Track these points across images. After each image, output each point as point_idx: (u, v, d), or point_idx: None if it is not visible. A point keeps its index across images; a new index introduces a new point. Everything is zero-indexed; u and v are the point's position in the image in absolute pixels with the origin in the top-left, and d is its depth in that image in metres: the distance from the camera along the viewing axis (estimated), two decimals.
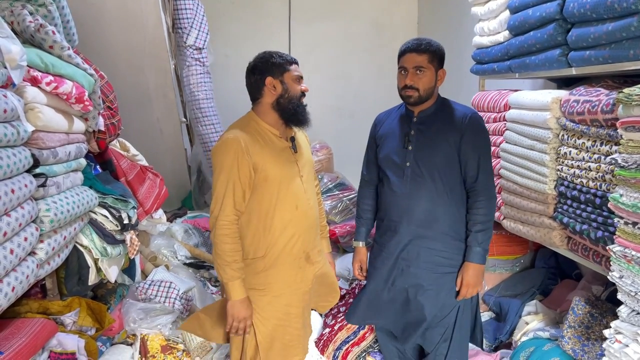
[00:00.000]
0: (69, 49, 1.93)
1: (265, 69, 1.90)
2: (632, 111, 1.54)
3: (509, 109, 2.56)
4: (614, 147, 1.77)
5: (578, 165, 2.00)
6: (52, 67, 1.79)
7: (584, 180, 1.97)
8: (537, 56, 2.34)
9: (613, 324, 1.65)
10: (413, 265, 2.13)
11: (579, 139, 2.00)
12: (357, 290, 3.03)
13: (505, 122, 2.60)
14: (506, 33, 2.62)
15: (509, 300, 2.78)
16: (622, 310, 1.62)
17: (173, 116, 4.22)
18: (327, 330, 2.79)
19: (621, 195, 1.59)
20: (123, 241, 2.25)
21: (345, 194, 3.95)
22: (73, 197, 1.89)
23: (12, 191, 1.45)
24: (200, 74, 4.41)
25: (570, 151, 2.06)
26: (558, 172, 2.16)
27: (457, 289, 2.13)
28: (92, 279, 2.08)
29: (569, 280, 2.78)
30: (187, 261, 3.45)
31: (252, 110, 2.00)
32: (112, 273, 2.18)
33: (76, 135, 2.06)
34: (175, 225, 3.90)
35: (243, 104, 2.09)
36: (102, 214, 2.14)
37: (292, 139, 2.02)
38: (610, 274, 1.66)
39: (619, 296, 1.64)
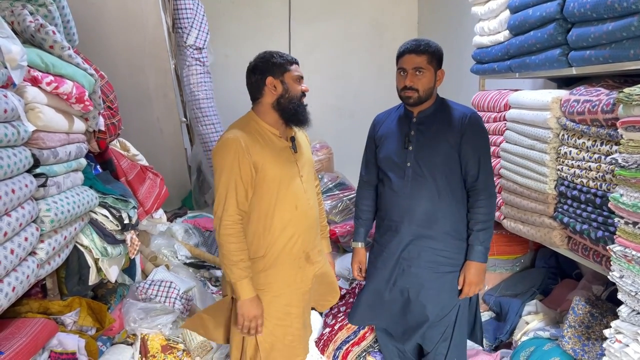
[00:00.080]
0: (69, 49, 1.93)
1: (266, 68, 1.90)
2: (633, 111, 1.54)
3: (509, 109, 2.56)
4: (614, 147, 1.77)
5: (578, 165, 2.00)
6: (53, 67, 1.80)
7: (584, 180, 1.97)
8: (537, 56, 2.34)
9: (613, 323, 1.65)
10: (414, 265, 2.13)
11: (579, 138, 2.00)
12: (357, 290, 3.03)
13: (505, 121, 2.60)
14: (506, 33, 2.62)
15: (509, 300, 2.78)
16: (623, 310, 1.62)
17: (173, 116, 4.23)
18: (328, 330, 2.79)
19: (621, 195, 1.59)
20: (123, 241, 2.25)
21: (345, 194, 3.95)
22: (73, 197, 1.89)
23: (13, 191, 1.45)
24: (201, 73, 4.41)
25: (570, 151, 2.06)
26: (558, 172, 2.16)
27: (459, 288, 2.13)
28: (93, 278, 2.08)
29: (569, 280, 2.79)
30: (188, 261, 3.45)
31: (252, 110, 2.00)
32: (113, 273, 2.19)
33: (76, 135, 2.06)
34: (175, 225, 3.90)
35: (243, 104, 2.09)
36: (102, 214, 2.14)
37: (292, 139, 2.02)
38: (610, 273, 1.66)
39: (619, 296, 1.64)
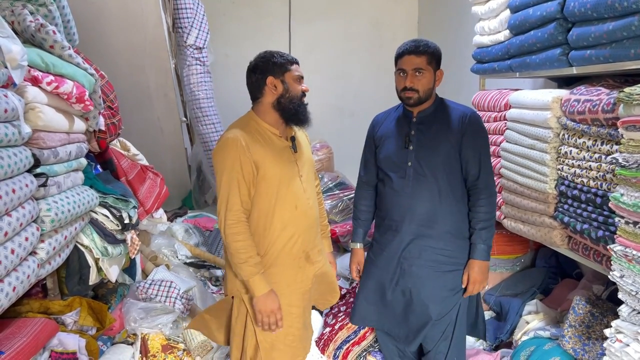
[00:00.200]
0: (69, 48, 1.93)
1: (267, 68, 1.90)
2: (633, 110, 1.54)
3: (510, 108, 2.56)
4: (615, 147, 1.77)
5: (579, 165, 2.00)
6: (53, 66, 1.79)
7: (585, 180, 1.97)
8: (537, 55, 2.34)
9: (614, 323, 1.65)
10: (415, 265, 2.13)
11: (579, 138, 2.00)
12: (357, 289, 3.03)
13: (505, 121, 2.60)
14: (507, 32, 2.62)
15: (510, 300, 2.78)
16: (623, 310, 1.62)
17: (173, 115, 4.23)
18: (328, 329, 2.79)
19: (622, 195, 1.59)
20: (124, 241, 2.25)
21: (345, 193, 3.95)
22: (74, 196, 1.89)
23: (13, 191, 1.45)
24: (201, 73, 4.41)
25: (570, 150, 2.06)
26: (559, 172, 2.16)
27: (463, 286, 2.14)
28: (93, 278, 2.08)
29: (569, 280, 2.79)
30: (188, 260, 3.45)
31: (252, 109, 2.00)
32: (113, 272, 2.18)
33: (77, 134, 2.06)
34: (175, 224, 3.90)
35: (243, 104, 2.09)
36: (102, 214, 2.14)
37: (292, 139, 2.02)
38: (611, 273, 1.66)
39: (620, 295, 1.64)
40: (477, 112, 2.27)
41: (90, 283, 2.09)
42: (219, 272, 3.49)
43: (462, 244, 2.14)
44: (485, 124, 2.51)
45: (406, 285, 2.17)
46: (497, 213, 2.71)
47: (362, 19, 5.36)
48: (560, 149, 2.14)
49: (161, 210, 3.13)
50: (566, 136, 2.09)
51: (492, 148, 2.63)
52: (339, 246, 3.66)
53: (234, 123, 1.97)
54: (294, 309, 2.00)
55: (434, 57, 2.05)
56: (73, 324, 2.03)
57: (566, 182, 2.10)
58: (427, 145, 2.10)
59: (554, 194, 2.20)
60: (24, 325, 1.71)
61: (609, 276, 1.68)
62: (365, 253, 2.36)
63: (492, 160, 2.24)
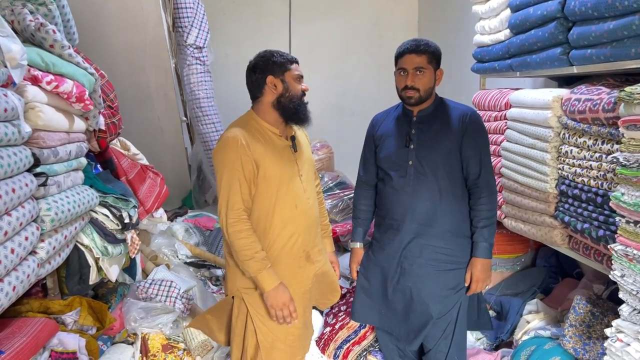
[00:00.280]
0: (69, 48, 1.93)
1: (266, 67, 1.90)
2: (634, 110, 1.54)
3: (510, 108, 2.56)
4: (616, 146, 1.77)
5: (579, 164, 2.00)
6: (53, 66, 1.79)
7: (585, 179, 1.97)
8: (538, 55, 2.34)
9: (614, 322, 1.65)
10: (416, 264, 2.14)
11: (580, 137, 2.00)
12: (356, 288, 3.03)
13: (506, 120, 2.60)
14: (507, 31, 2.62)
15: (510, 299, 2.78)
16: (624, 309, 1.62)
17: (173, 115, 4.22)
18: (328, 329, 2.79)
19: (623, 194, 1.59)
20: (124, 240, 2.25)
21: (345, 193, 3.95)
22: (74, 196, 1.89)
23: (13, 190, 1.45)
24: (201, 72, 4.41)
25: (571, 150, 2.06)
26: (559, 171, 2.16)
27: (466, 285, 2.15)
28: (93, 278, 2.08)
29: (570, 279, 2.78)
30: (188, 260, 3.45)
31: (251, 109, 2.00)
32: (113, 272, 2.18)
33: (77, 134, 2.06)
34: (175, 224, 3.90)
35: (243, 103, 2.09)
36: (102, 213, 2.14)
37: (293, 138, 2.02)
38: (611, 272, 1.66)
39: (621, 295, 1.63)
40: (477, 111, 2.27)
41: (91, 283, 2.08)
42: (219, 272, 3.48)
43: (462, 242, 2.14)
44: (486, 124, 2.51)
45: (407, 284, 2.17)
46: (498, 212, 2.71)
47: (362, 19, 5.36)
48: (561, 148, 2.13)
49: (161, 210, 3.13)
50: (567, 135, 2.09)
51: (492, 147, 2.63)
52: (340, 246, 3.66)
53: (234, 122, 1.97)
54: None
55: (434, 56, 2.06)
56: (73, 324, 2.02)
57: (567, 182, 2.10)
58: (427, 144, 2.10)
59: (554, 194, 2.20)
60: (24, 324, 1.70)
61: (609, 275, 1.68)
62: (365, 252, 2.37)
63: (492, 160, 2.24)
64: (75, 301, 2.08)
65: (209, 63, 4.48)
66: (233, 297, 2.02)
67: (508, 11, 2.60)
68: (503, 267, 2.99)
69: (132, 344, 2.40)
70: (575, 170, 2.03)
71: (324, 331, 2.80)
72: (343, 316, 2.81)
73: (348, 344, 2.65)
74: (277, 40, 5.17)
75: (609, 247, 1.68)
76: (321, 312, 2.97)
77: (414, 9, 5.40)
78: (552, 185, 2.20)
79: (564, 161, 2.12)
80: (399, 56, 2.10)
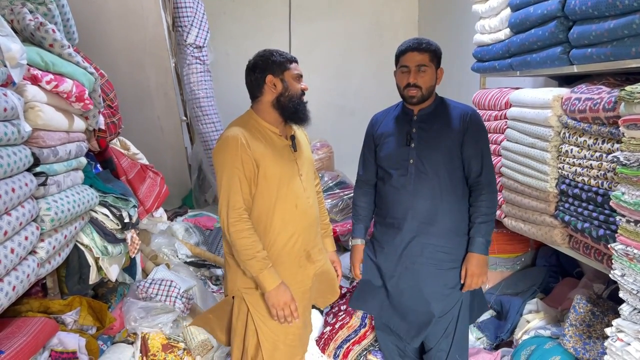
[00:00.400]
0: (69, 47, 1.93)
1: (266, 67, 1.90)
2: (634, 109, 1.53)
3: (510, 107, 2.56)
4: (616, 145, 1.76)
5: (579, 163, 2.00)
6: (52, 65, 1.79)
7: (586, 179, 1.97)
8: (538, 54, 2.34)
9: (615, 322, 1.65)
10: (417, 263, 2.14)
11: (580, 136, 2.00)
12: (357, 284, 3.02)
13: (506, 120, 2.60)
14: (507, 31, 2.62)
15: (510, 299, 2.77)
16: (624, 309, 1.62)
17: (173, 115, 4.22)
18: (328, 328, 2.79)
19: (623, 194, 1.58)
20: (124, 240, 2.25)
21: (345, 192, 3.95)
22: (74, 195, 1.89)
23: (13, 190, 1.45)
24: (201, 72, 4.40)
25: (571, 149, 2.05)
26: (559, 170, 2.16)
27: (462, 282, 2.14)
28: (93, 277, 2.08)
29: (570, 279, 2.78)
30: (188, 260, 3.44)
31: (251, 108, 2.00)
32: (113, 272, 2.18)
33: (76, 133, 2.06)
34: (175, 223, 3.89)
35: (243, 103, 2.08)
36: (102, 213, 2.14)
37: (292, 138, 2.01)
38: (612, 272, 1.66)
39: (621, 294, 1.63)
40: (477, 111, 2.28)
41: (90, 282, 2.08)
42: (219, 271, 3.48)
43: (463, 241, 2.14)
44: (486, 123, 2.51)
45: (408, 283, 2.17)
46: (498, 212, 2.71)
47: (362, 18, 5.35)
48: (561, 148, 2.13)
49: (161, 210, 3.12)
50: (567, 135, 2.08)
51: (492, 147, 2.63)
52: (340, 245, 3.66)
53: (233, 121, 1.97)
54: None
55: (435, 55, 2.08)
56: (73, 324, 2.02)
57: (567, 181, 2.10)
58: (428, 142, 2.11)
59: (554, 193, 2.20)
60: (23, 324, 1.70)
61: (609, 275, 1.68)
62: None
63: (492, 159, 2.24)
64: (75, 301, 2.08)
65: (208, 62, 4.48)
66: (233, 297, 2.02)
67: (508, 10, 2.60)
68: (503, 267, 2.99)
69: (132, 343, 2.40)
70: (576, 169, 2.02)
71: (324, 330, 2.80)
72: (343, 315, 2.80)
73: (348, 344, 2.65)
74: (277, 40, 5.16)
75: (609, 246, 1.68)
76: (321, 312, 2.97)
77: (414, 8, 5.40)
78: (553, 185, 2.20)
79: (564, 160, 2.12)
80: (400, 54, 2.10)
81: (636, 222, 1.54)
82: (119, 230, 2.19)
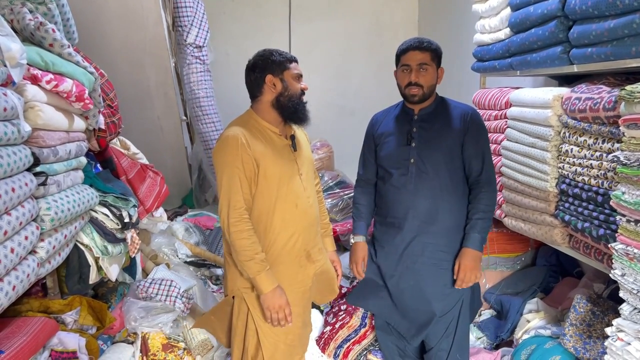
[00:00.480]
0: (69, 47, 1.92)
1: (265, 66, 1.89)
2: (635, 108, 1.53)
3: (510, 107, 2.56)
4: (616, 145, 1.76)
5: (580, 163, 2.00)
6: (52, 65, 1.79)
7: (586, 178, 1.97)
8: (538, 53, 2.33)
9: (615, 322, 1.65)
10: (418, 262, 2.14)
11: (580, 136, 2.00)
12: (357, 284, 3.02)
13: (506, 119, 2.60)
14: (507, 30, 2.62)
15: (510, 298, 2.77)
16: (624, 308, 1.62)
17: (173, 114, 4.22)
18: (328, 328, 2.79)
19: (623, 193, 1.58)
20: (124, 240, 2.24)
21: (345, 192, 3.95)
22: (73, 195, 1.88)
23: (13, 190, 1.45)
24: (201, 72, 4.40)
25: (571, 149, 2.05)
26: (559, 170, 2.16)
27: (454, 277, 2.12)
28: (93, 277, 2.08)
29: (570, 278, 2.78)
30: (188, 259, 3.44)
31: (251, 108, 1.99)
32: (113, 271, 2.18)
33: (76, 133, 2.06)
34: (176, 223, 3.89)
35: (243, 102, 2.08)
36: (102, 213, 2.14)
37: (292, 137, 2.01)
38: (612, 271, 1.66)
39: (621, 294, 1.63)
40: (477, 110, 2.28)
41: (90, 282, 2.08)
42: (219, 271, 3.48)
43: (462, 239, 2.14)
44: (486, 123, 2.51)
45: (408, 283, 2.18)
46: (498, 212, 2.71)
47: (362, 18, 5.35)
48: (561, 147, 2.13)
49: (161, 209, 3.12)
50: (567, 134, 2.08)
51: (492, 146, 2.63)
52: (340, 245, 3.66)
53: (233, 121, 1.96)
54: (294, 308, 1.99)
55: (436, 54, 2.09)
56: (73, 323, 2.02)
57: (567, 181, 2.10)
58: (429, 142, 2.11)
59: (554, 193, 2.20)
60: (23, 324, 1.70)
61: (610, 274, 1.68)
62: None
63: (492, 159, 2.24)
64: (75, 300, 2.08)
65: (208, 62, 4.48)
66: (233, 297, 2.02)
67: (508, 10, 2.60)
68: (503, 266, 2.99)
69: (132, 343, 2.40)
70: (576, 169, 2.02)
71: (324, 330, 2.80)
72: (343, 315, 2.80)
73: (348, 343, 2.65)
74: (277, 40, 5.16)
75: (609, 246, 1.68)
76: (321, 311, 2.97)
77: (414, 8, 5.39)
78: (553, 184, 2.20)
79: (564, 160, 2.12)
80: (401, 53, 2.10)
81: (636, 221, 1.54)
82: (119, 229, 2.19)
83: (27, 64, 1.62)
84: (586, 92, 1.98)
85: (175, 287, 2.66)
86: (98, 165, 2.48)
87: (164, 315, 2.50)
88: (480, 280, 2.93)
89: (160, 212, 3.10)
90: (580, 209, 2.01)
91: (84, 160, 2.12)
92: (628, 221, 1.58)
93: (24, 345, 1.58)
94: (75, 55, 1.97)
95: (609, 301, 2.20)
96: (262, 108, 1.95)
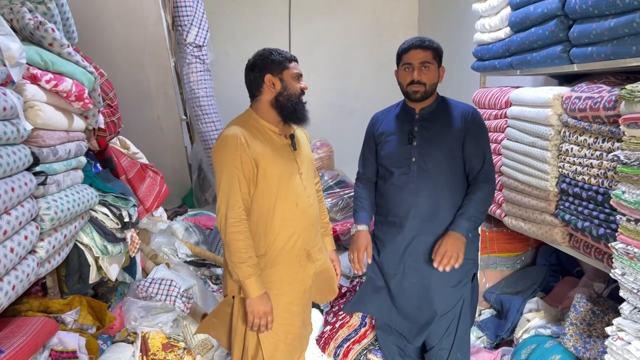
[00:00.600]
0: (68, 46, 1.92)
1: (265, 66, 1.89)
2: (635, 108, 1.53)
3: (511, 106, 2.55)
4: (616, 144, 1.76)
5: (580, 162, 2.00)
6: (52, 64, 1.79)
7: (586, 177, 1.96)
8: (538, 53, 2.33)
9: (615, 321, 1.64)
10: (420, 261, 2.14)
11: (580, 135, 1.99)
12: (358, 287, 3.02)
13: (506, 119, 2.59)
14: (507, 29, 2.62)
15: (510, 298, 2.78)
16: (624, 308, 1.61)
17: (173, 114, 4.22)
18: (328, 328, 2.79)
19: (623, 192, 1.58)
20: (124, 239, 2.24)
21: (345, 192, 3.95)
22: (73, 195, 1.88)
23: (12, 189, 1.45)
24: (201, 71, 4.40)
25: (572, 148, 2.05)
26: (560, 169, 2.15)
27: (432, 256, 2.04)
28: (93, 277, 2.08)
29: (570, 278, 2.78)
30: (188, 259, 3.45)
31: (250, 107, 1.99)
32: (113, 271, 2.18)
33: (76, 133, 2.06)
34: (175, 223, 3.89)
35: (243, 102, 2.08)
36: (102, 212, 2.14)
37: (292, 137, 2.01)
38: (612, 271, 1.66)
39: (621, 293, 1.63)
40: (478, 110, 2.28)
41: (90, 282, 2.08)
42: (219, 271, 3.48)
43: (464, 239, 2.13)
44: (486, 122, 2.51)
45: (410, 281, 2.18)
46: (498, 211, 2.71)
47: (362, 18, 5.35)
48: (561, 147, 2.13)
49: (161, 209, 3.12)
50: (567, 134, 2.08)
51: (492, 146, 2.63)
52: (340, 244, 3.66)
53: (233, 120, 1.96)
54: (294, 308, 1.99)
55: (437, 53, 2.09)
56: (73, 323, 2.02)
57: (567, 180, 2.10)
58: (430, 141, 2.11)
59: (555, 192, 2.20)
60: (23, 324, 1.70)
61: (610, 274, 1.68)
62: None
63: (493, 158, 2.24)
64: (75, 300, 2.07)
65: (208, 62, 4.48)
66: (233, 297, 2.02)
67: (508, 9, 2.60)
68: (503, 266, 2.99)
69: (132, 343, 2.40)
70: (576, 168, 2.02)
71: (324, 330, 2.80)
72: (343, 315, 2.80)
73: (348, 343, 2.65)
74: (277, 39, 5.16)
75: (609, 245, 1.68)
76: (321, 311, 2.97)
77: (414, 7, 5.39)
78: (553, 184, 2.20)
79: (564, 159, 2.12)
80: (403, 52, 2.11)
81: (636, 220, 1.54)
82: (118, 229, 2.19)
83: (27, 63, 1.62)
84: (586, 91, 1.98)
85: (175, 286, 2.66)
86: (98, 164, 2.48)
87: (164, 315, 2.50)
88: (480, 280, 2.93)
89: (160, 212, 3.10)
90: (580, 208, 2.01)
91: (83, 159, 2.12)
92: (628, 220, 1.58)
93: (24, 345, 1.58)
94: (75, 55, 1.97)
95: (609, 300, 2.20)
96: (261, 107, 1.94)
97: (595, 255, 1.99)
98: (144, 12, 3.64)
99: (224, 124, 4.46)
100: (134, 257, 2.57)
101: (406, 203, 2.13)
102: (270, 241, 1.93)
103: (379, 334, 2.47)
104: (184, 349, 2.46)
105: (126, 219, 2.20)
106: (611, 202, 1.66)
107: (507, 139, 2.56)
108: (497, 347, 2.68)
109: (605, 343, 1.67)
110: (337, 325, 2.76)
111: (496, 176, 2.41)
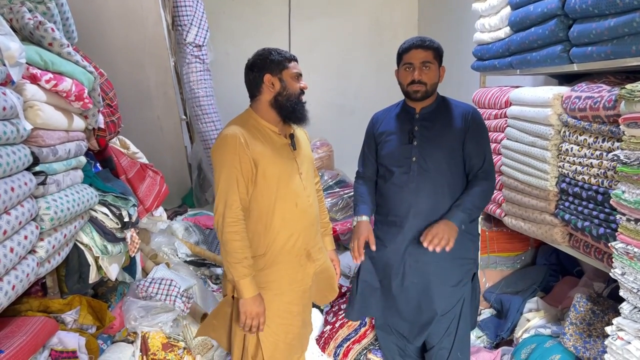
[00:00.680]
0: (68, 46, 1.92)
1: (264, 66, 1.89)
2: (635, 107, 1.53)
3: (510, 106, 2.55)
4: (616, 144, 1.76)
5: (580, 162, 2.00)
6: (52, 64, 1.79)
7: (586, 177, 1.96)
8: (538, 52, 2.33)
9: (615, 321, 1.64)
10: (420, 261, 2.14)
11: (580, 135, 1.99)
12: (355, 284, 3.02)
13: (506, 118, 2.59)
14: (507, 29, 2.61)
15: (510, 297, 2.78)
16: (624, 307, 1.61)
17: (173, 114, 4.22)
18: (328, 327, 2.79)
19: (623, 192, 1.58)
20: (123, 239, 2.24)
21: (345, 191, 3.95)
22: (73, 195, 1.88)
23: (12, 189, 1.45)
24: (200, 71, 4.40)
25: (571, 148, 2.05)
26: (559, 169, 2.15)
27: (421, 238, 2.02)
28: (93, 277, 2.08)
29: (570, 277, 2.78)
30: (188, 259, 3.45)
31: (250, 107, 1.99)
32: (113, 271, 2.18)
33: (76, 132, 2.06)
34: (175, 222, 3.89)
35: (243, 102, 2.08)
36: (102, 212, 2.14)
37: (292, 136, 2.01)
38: (612, 270, 1.66)
39: (621, 293, 1.63)
40: (477, 109, 2.28)
41: (90, 281, 2.08)
42: (219, 270, 3.48)
43: (464, 238, 2.14)
44: (486, 122, 2.51)
45: (411, 281, 2.18)
46: (498, 211, 2.71)
47: (362, 17, 5.35)
48: (561, 146, 2.13)
49: (161, 209, 3.12)
50: (567, 133, 2.08)
51: (492, 145, 2.63)
52: (340, 244, 3.66)
53: (232, 120, 1.96)
54: (294, 307, 1.99)
55: (438, 52, 2.10)
56: (73, 323, 2.02)
57: (567, 180, 2.10)
58: (431, 140, 2.12)
59: (554, 192, 2.20)
60: (23, 324, 1.70)
61: (610, 274, 1.68)
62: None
63: (493, 157, 2.24)
64: (75, 300, 2.07)
65: (208, 61, 4.47)
66: (233, 297, 2.02)
67: (508, 9, 2.59)
68: (503, 265, 2.99)
69: (132, 342, 2.40)
70: (576, 168, 2.02)
71: (324, 330, 2.80)
72: (343, 314, 2.80)
73: (348, 343, 2.65)
74: (276, 39, 5.16)
75: (609, 245, 1.68)
76: (321, 311, 2.97)
77: (414, 7, 5.39)
78: (553, 183, 2.19)
79: (564, 159, 2.11)
80: (403, 52, 2.11)
81: (636, 220, 1.54)
82: (118, 229, 2.19)
83: (26, 63, 1.62)
84: (586, 91, 1.98)
85: (175, 286, 2.66)
86: (97, 164, 2.48)
87: (163, 315, 2.50)
88: (480, 280, 2.93)
89: (160, 212, 3.10)
90: (580, 208, 2.01)
91: (83, 159, 2.12)
92: (628, 220, 1.58)
93: (24, 345, 1.58)
94: (75, 55, 1.97)
95: (609, 300, 2.20)
96: (261, 107, 1.94)
97: (595, 255, 1.99)
98: (143, 12, 3.64)
99: (223, 124, 4.45)
100: (134, 256, 2.57)
101: (406, 202, 2.13)
102: (270, 241, 1.93)
103: (379, 333, 2.47)
104: (184, 348, 2.46)
105: (126, 219, 2.20)
106: (611, 202, 1.66)
107: (507, 138, 2.56)
108: (497, 346, 2.68)
109: (605, 343, 1.67)
110: (337, 325, 2.76)
111: (496, 176, 2.41)
